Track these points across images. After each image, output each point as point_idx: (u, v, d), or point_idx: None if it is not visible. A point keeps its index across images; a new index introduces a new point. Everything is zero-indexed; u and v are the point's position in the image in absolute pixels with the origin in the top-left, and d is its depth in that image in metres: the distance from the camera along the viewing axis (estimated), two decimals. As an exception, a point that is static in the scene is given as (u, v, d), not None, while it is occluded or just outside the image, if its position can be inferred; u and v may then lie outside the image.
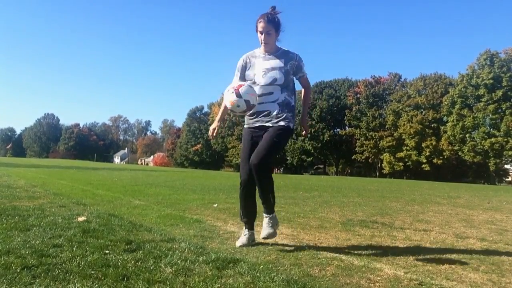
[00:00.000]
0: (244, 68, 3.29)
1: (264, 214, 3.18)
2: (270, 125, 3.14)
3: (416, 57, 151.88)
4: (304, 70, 3.31)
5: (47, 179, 11.09)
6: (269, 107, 3.16)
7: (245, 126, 3.33)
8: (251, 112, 3.18)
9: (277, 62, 3.19)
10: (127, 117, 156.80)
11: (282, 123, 3.14)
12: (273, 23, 3.12)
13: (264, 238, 3.11)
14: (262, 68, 3.20)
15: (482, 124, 42.09)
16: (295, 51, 3.27)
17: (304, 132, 3.50)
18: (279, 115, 3.14)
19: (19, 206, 4.75)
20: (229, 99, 3.03)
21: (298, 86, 3.40)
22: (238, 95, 2.98)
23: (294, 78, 3.30)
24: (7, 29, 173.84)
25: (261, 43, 3.19)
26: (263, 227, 3.14)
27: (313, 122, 56.79)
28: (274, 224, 3.16)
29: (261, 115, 3.18)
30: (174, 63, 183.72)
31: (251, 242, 3.22)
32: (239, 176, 3.27)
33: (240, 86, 3.03)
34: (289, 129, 3.18)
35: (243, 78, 3.29)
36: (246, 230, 3.28)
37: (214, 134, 3.35)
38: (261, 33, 3.13)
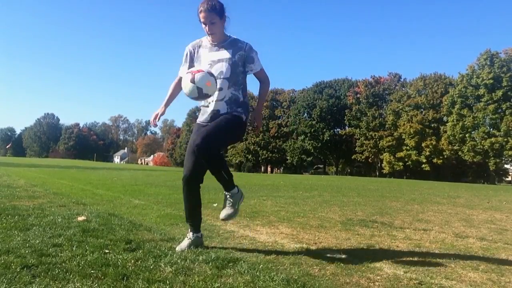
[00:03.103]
0: (192, 58, 3.01)
1: (224, 193, 2.92)
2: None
3: (416, 57, 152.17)
4: (258, 62, 2.98)
5: (47, 179, 11.09)
6: (217, 106, 2.91)
7: (197, 122, 3.08)
8: (201, 110, 3.00)
9: (224, 53, 2.91)
10: (127, 117, 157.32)
11: (234, 113, 2.92)
12: (214, 11, 2.81)
13: (222, 219, 2.87)
14: (208, 60, 2.93)
15: (482, 124, 42.10)
16: (245, 40, 2.96)
17: (256, 125, 3.12)
18: (232, 111, 2.91)
19: (19, 206, 4.75)
20: (183, 82, 2.77)
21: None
22: (192, 80, 2.70)
23: (247, 72, 3.00)
24: (7, 29, 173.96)
25: (207, 34, 2.91)
26: (223, 207, 2.90)
27: (313, 122, 56.81)
28: (236, 201, 2.88)
29: (210, 114, 2.94)
30: (174, 63, 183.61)
31: (194, 247, 2.89)
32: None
33: (198, 71, 2.73)
34: (239, 118, 2.93)
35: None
36: (191, 233, 2.97)
37: (157, 120, 3.01)
38: (204, 24, 2.85)
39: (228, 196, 2.90)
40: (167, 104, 3.08)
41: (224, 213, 2.89)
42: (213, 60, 2.92)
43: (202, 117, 3.04)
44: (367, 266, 2.65)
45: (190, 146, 2.95)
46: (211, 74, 2.77)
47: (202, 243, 3.03)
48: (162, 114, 3.03)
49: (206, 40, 2.99)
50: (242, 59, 2.94)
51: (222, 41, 2.95)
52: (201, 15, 2.84)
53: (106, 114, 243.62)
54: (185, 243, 2.93)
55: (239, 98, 2.96)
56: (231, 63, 2.90)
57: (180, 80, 3.00)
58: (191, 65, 3.02)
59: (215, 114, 2.93)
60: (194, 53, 3.02)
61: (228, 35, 2.97)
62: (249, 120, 3.13)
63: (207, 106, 2.98)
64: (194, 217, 3.02)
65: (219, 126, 2.83)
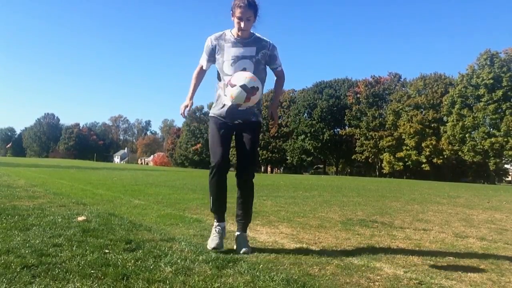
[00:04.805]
0: (213, 51, 3.00)
1: (239, 232, 3.03)
2: (241, 121, 3.01)
3: (416, 57, 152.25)
4: (280, 60, 3.09)
5: (47, 179, 11.09)
6: None
7: (215, 115, 3.06)
8: (220, 104, 3.01)
9: (247, 50, 2.93)
10: (127, 117, 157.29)
11: (253, 119, 3.03)
12: (253, 8, 2.83)
13: (243, 253, 2.85)
14: (231, 55, 2.94)
15: (482, 124, 42.10)
16: (269, 39, 3.03)
17: (274, 121, 3.23)
18: (248, 111, 2.99)
19: (19, 206, 4.75)
20: (229, 93, 2.80)
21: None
22: (233, 86, 2.75)
23: (273, 70, 3.12)
24: (7, 29, 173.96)
25: (238, 30, 2.90)
26: (240, 243, 2.96)
27: (313, 122, 56.80)
28: (248, 241, 3.04)
29: (231, 109, 2.98)
30: (174, 63, 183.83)
31: (223, 239, 3.00)
32: (210, 162, 3.00)
33: (231, 79, 2.79)
34: (260, 124, 3.11)
35: (211, 61, 3.05)
36: (217, 223, 3.02)
37: (186, 113, 3.04)
38: (240, 19, 2.83)
39: (243, 237, 3.00)
40: (192, 96, 3.10)
41: (246, 248, 2.90)
42: (237, 55, 2.94)
43: (227, 115, 3.01)
44: (367, 266, 2.65)
45: (216, 138, 2.99)
46: (241, 72, 2.81)
47: (225, 233, 3.09)
48: (191, 106, 3.06)
49: (230, 34, 2.99)
50: (265, 57, 3.01)
51: (247, 38, 2.97)
52: (239, 10, 2.82)
53: (106, 114, 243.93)
54: (216, 238, 2.94)
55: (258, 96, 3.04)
56: (255, 61, 2.95)
57: (201, 69, 3.10)
58: (211, 58, 3.04)
59: (235, 109, 2.98)
60: (216, 45, 3.00)
61: (253, 32, 3.00)
62: (267, 116, 3.23)
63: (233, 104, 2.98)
64: (222, 206, 3.06)
65: (255, 147, 3.02)
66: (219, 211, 3.06)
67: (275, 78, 3.22)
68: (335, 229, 4.18)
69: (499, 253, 3.30)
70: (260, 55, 2.97)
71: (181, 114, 3.05)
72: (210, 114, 3.14)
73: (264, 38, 3.02)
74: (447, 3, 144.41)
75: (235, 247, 3.00)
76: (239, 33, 2.93)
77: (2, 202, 5.00)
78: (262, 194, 8.43)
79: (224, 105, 3.01)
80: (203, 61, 3.09)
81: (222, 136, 3.00)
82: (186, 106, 3.04)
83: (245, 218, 3.07)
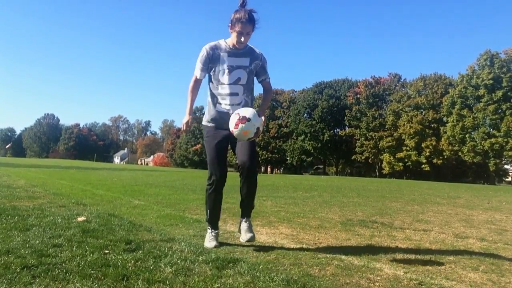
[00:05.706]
0: (208, 61, 3.05)
1: (243, 219, 3.18)
2: None
3: (416, 57, 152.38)
4: (268, 73, 3.17)
5: (47, 179, 11.09)
6: (234, 110, 2.98)
7: (209, 125, 3.16)
8: (215, 114, 3.10)
9: (242, 61, 3.03)
10: (127, 117, 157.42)
11: None
12: (253, 23, 2.91)
13: (248, 241, 3.06)
14: (227, 64, 3.02)
15: (482, 125, 42.09)
16: (261, 51, 3.12)
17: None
18: None
19: (19, 206, 4.75)
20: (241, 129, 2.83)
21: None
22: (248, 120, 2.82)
23: (260, 81, 3.18)
24: (7, 29, 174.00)
25: (237, 43, 2.98)
26: (244, 230, 3.12)
27: (313, 122, 56.81)
28: (252, 226, 3.21)
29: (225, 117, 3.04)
30: (174, 63, 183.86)
31: (218, 241, 3.16)
32: (208, 177, 3.13)
33: (243, 120, 2.82)
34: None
35: (206, 70, 3.09)
36: (212, 230, 3.17)
37: (190, 128, 3.17)
38: (241, 34, 2.91)
39: (247, 223, 3.14)
40: (191, 111, 3.18)
41: (248, 236, 3.06)
42: (232, 65, 3.04)
43: (221, 122, 3.09)
44: (367, 266, 2.65)
45: (217, 152, 3.09)
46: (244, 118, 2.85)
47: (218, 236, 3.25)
48: (191, 120, 3.16)
49: (225, 44, 3.07)
50: (257, 68, 3.11)
51: (242, 48, 3.05)
52: (240, 25, 2.90)
53: (106, 114, 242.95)
54: (213, 241, 3.10)
55: (249, 105, 3.12)
56: (248, 71, 3.07)
57: (196, 80, 3.13)
58: (205, 67, 3.10)
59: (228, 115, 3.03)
60: (212, 55, 3.05)
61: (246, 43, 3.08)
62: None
63: (227, 112, 3.06)
64: (216, 218, 3.23)
65: (254, 146, 3.07)
66: (214, 222, 3.22)
67: (263, 90, 3.28)
68: (335, 229, 4.18)
69: (499, 254, 3.30)
70: (253, 65, 3.08)
71: (183, 131, 3.18)
72: (203, 123, 3.21)
73: (256, 50, 3.11)
74: (447, 3, 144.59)
75: (240, 235, 3.17)
76: (237, 45, 3.00)
77: (2, 203, 5.00)
78: (262, 194, 8.43)
79: (216, 111, 3.11)
80: (197, 72, 3.13)
81: (219, 149, 3.10)
82: (188, 122, 3.14)
83: (249, 205, 3.19)
